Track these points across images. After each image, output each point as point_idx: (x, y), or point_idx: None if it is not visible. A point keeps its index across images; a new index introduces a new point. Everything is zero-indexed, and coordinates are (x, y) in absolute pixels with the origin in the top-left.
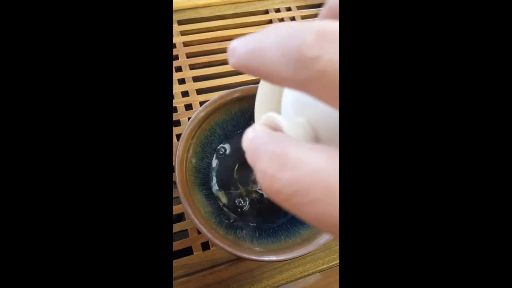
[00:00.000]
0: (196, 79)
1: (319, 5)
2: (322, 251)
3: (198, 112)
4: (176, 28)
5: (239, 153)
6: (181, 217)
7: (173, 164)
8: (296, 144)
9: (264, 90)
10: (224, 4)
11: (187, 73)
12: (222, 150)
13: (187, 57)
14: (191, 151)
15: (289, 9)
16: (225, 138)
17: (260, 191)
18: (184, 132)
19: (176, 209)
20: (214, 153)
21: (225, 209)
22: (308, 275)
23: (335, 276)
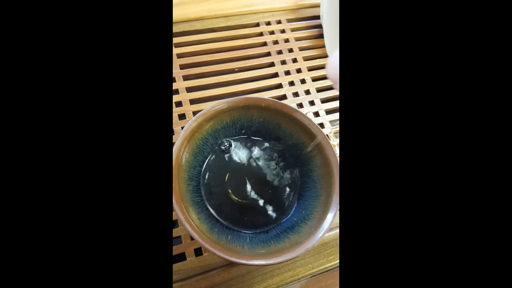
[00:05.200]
0: (189, 89)
1: (308, 18)
2: (311, 255)
3: (191, 122)
4: None
5: (230, 161)
6: (174, 224)
7: None
8: None
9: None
10: (216, 17)
11: (181, 84)
12: (226, 144)
13: (181, 68)
14: (183, 159)
15: (279, 22)
16: (217, 147)
17: (251, 199)
18: (177, 141)
19: None
20: (206, 161)
21: (216, 215)
22: (299, 279)
23: (326, 281)
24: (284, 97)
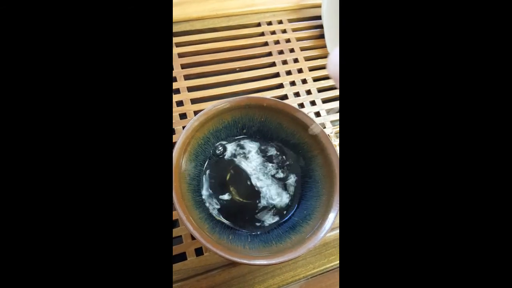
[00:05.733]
0: (190, 89)
1: (309, 18)
2: (312, 255)
3: (192, 121)
4: None
5: (231, 161)
6: (175, 223)
7: None
8: None
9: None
10: (217, 17)
11: (182, 83)
12: (220, 149)
13: (182, 68)
14: (185, 159)
15: (280, 22)
16: (212, 151)
17: (252, 198)
18: (178, 140)
19: None
20: (207, 160)
21: (218, 215)
22: (299, 279)
23: (326, 282)
24: (285, 97)
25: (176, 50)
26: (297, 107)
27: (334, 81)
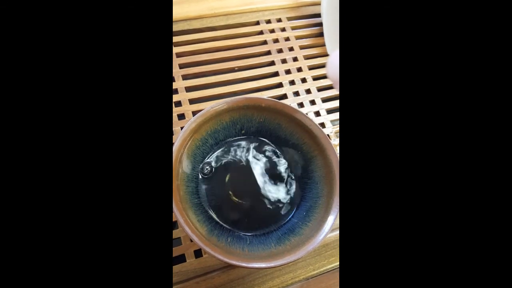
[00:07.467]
0: (188, 89)
1: (309, 16)
2: (312, 257)
3: (190, 123)
4: None
5: (230, 162)
6: (173, 225)
7: None
8: None
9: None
10: (216, 16)
11: (180, 83)
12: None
13: (180, 68)
14: (183, 160)
15: (279, 20)
16: (217, 148)
17: (251, 200)
18: (176, 142)
19: None
20: (204, 161)
21: (216, 217)
22: (299, 281)
23: (327, 282)
24: (284, 96)
25: (174, 50)
26: (296, 106)
27: (333, 84)
